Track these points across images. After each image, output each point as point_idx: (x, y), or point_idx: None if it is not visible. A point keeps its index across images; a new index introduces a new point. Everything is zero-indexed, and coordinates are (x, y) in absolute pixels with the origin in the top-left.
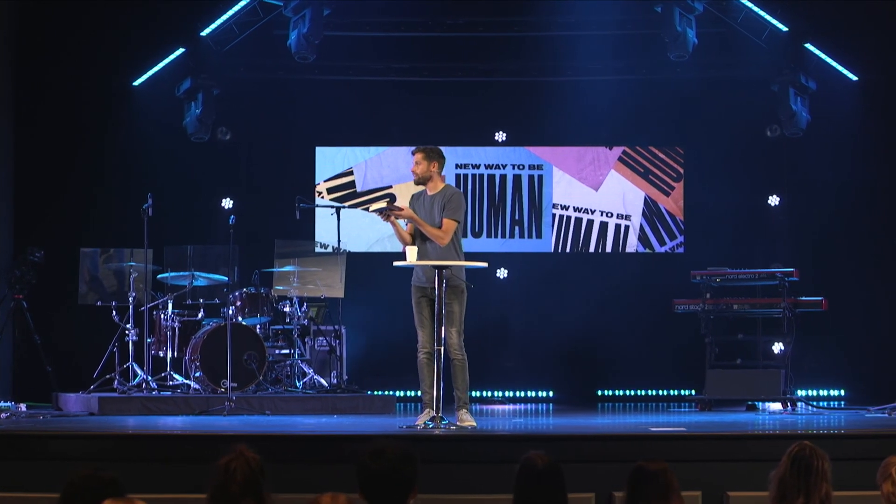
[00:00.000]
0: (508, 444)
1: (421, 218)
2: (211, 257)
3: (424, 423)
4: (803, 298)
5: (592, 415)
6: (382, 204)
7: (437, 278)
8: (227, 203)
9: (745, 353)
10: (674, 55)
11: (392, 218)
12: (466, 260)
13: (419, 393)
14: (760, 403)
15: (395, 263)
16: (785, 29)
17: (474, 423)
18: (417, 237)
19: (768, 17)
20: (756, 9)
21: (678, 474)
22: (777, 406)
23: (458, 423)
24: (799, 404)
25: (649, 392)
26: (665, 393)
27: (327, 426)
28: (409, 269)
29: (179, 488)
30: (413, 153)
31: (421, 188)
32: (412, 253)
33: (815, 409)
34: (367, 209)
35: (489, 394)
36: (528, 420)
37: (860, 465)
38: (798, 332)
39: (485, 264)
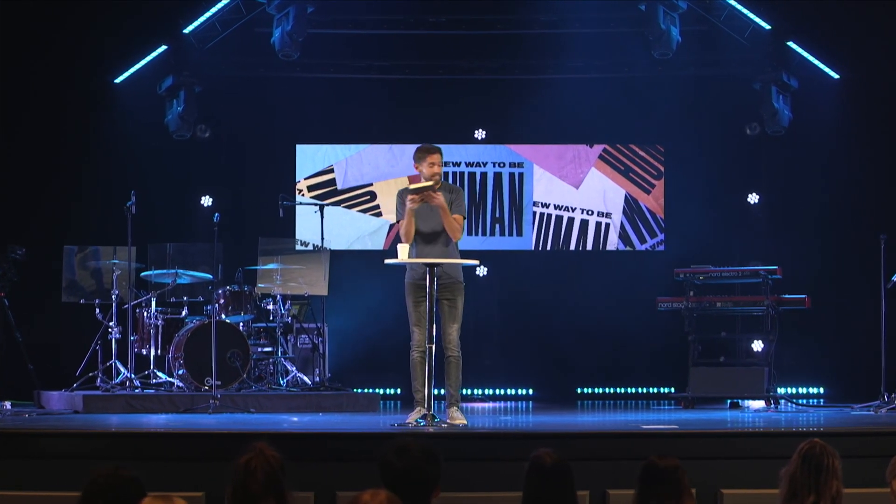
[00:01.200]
0: (502, 441)
1: (422, 214)
2: (192, 255)
3: (416, 420)
4: (787, 296)
5: (574, 413)
6: (430, 182)
7: (428, 275)
8: (206, 201)
9: (728, 351)
10: (658, 53)
11: (414, 204)
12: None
13: (400, 391)
14: (743, 401)
15: (387, 261)
16: (768, 27)
17: (465, 421)
18: (419, 235)
19: (751, 15)
20: (739, 7)
21: None
22: (760, 404)
23: (448, 421)
24: (781, 402)
25: (629, 390)
26: (644, 391)
27: (327, 425)
28: (397, 268)
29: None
30: (431, 153)
31: (407, 185)
32: (403, 251)
33: (797, 407)
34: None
35: (469, 391)
36: (515, 418)
37: (862, 462)
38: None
39: (476, 262)
